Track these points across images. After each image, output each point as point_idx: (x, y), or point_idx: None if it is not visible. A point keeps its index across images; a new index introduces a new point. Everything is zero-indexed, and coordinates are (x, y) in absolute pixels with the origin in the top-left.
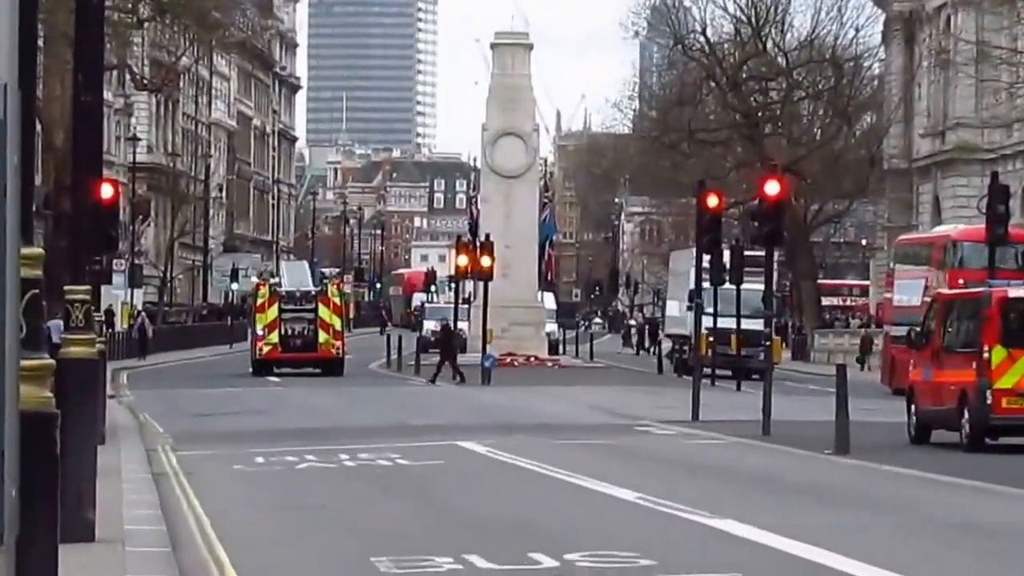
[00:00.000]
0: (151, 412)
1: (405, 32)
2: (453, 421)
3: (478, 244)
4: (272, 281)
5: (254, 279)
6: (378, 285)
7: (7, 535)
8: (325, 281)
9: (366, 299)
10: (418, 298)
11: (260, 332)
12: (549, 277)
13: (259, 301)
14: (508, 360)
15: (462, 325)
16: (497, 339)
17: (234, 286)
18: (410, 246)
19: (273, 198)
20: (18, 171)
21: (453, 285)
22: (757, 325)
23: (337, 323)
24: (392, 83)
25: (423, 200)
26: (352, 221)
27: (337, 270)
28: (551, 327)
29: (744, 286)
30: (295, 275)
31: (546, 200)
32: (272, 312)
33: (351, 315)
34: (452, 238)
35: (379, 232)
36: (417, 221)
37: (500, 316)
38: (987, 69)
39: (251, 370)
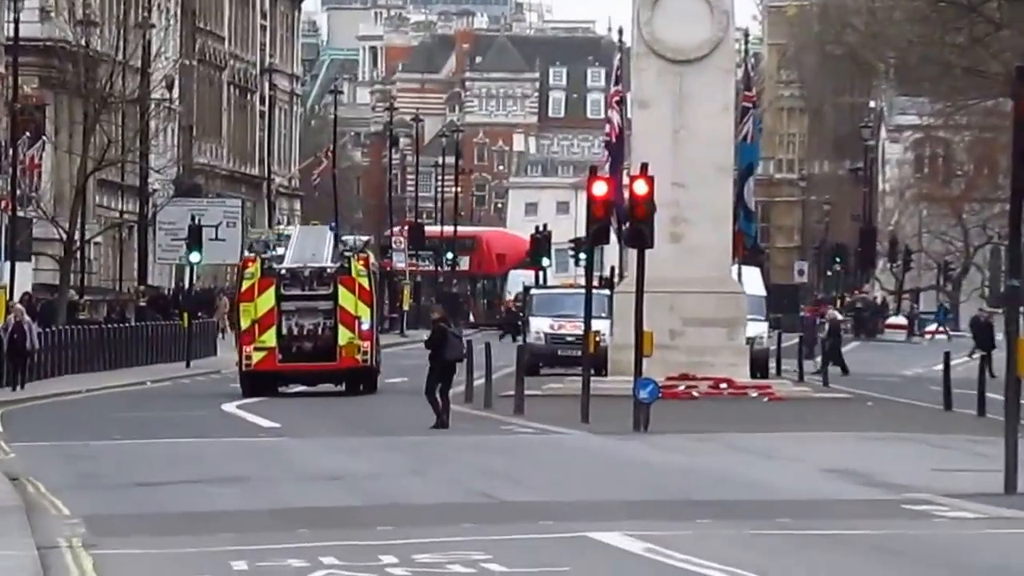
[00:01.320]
0: (48, 480)
1: None
2: (582, 495)
3: (625, 181)
4: (267, 254)
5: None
6: (449, 255)
7: None
8: (347, 253)
9: (422, 279)
10: (518, 279)
11: (248, 330)
12: (752, 242)
13: (246, 284)
14: (681, 388)
15: (598, 326)
16: (661, 350)
17: (194, 258)
18: (506, 186)
19: (263, 101)
20: None
21: (580, 256)
22: None
23: (365, 315)
24: None
25: (528, 104)
26: (403, 141)
27: (365, 238)
28: (757, 328)
29: None
30: (307, 244)
31: (748, 104)
32: (267, 300)
33: (404, 306)
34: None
35: (451, 162)
36: (518, 142)
37: (666, 310)
38: None
39: (240, 388)
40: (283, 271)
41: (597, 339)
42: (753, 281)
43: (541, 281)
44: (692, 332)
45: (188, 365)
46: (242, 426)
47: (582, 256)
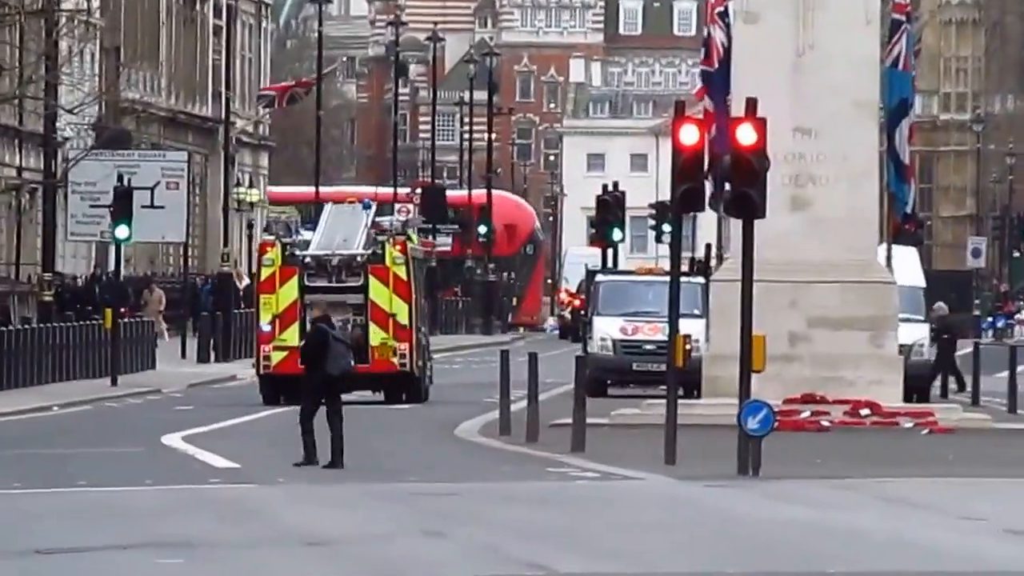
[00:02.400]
0: None
1: None
2: (669, 567)
3: (722, 122)
4: (289, 239)
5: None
6: (482, 230)
7: None
8: (381, 238)
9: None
10: (577, 260)
11: (267, 328)
12: (908, 210)
13: (266, 273)
14: (805, 414)
15: (690, 327)
16: (778, 362)
17: (122, 233)
18: (559, 131)
19: (219, 13)
20: None
21: (663, 229)
22: None
23: (402, 312)
24: None
25: (591, 18)
26: (415, 70)
27: (403, 217)
28: (913, 332)
29: None
30: (338, 227)
31: (901, 16)
32: (288, 292)
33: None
34: (661, 110)
35: (482, 99)
36: (577, 70)
37: (785, 307)
38: None
39: (260, 393)
40: (307, 259)
41: (687, 347)
42: (908, 266)
43: (609, 264)
44: (822, 337)
45: (114, 382)
46: (189, 467)
47: (666, 229)
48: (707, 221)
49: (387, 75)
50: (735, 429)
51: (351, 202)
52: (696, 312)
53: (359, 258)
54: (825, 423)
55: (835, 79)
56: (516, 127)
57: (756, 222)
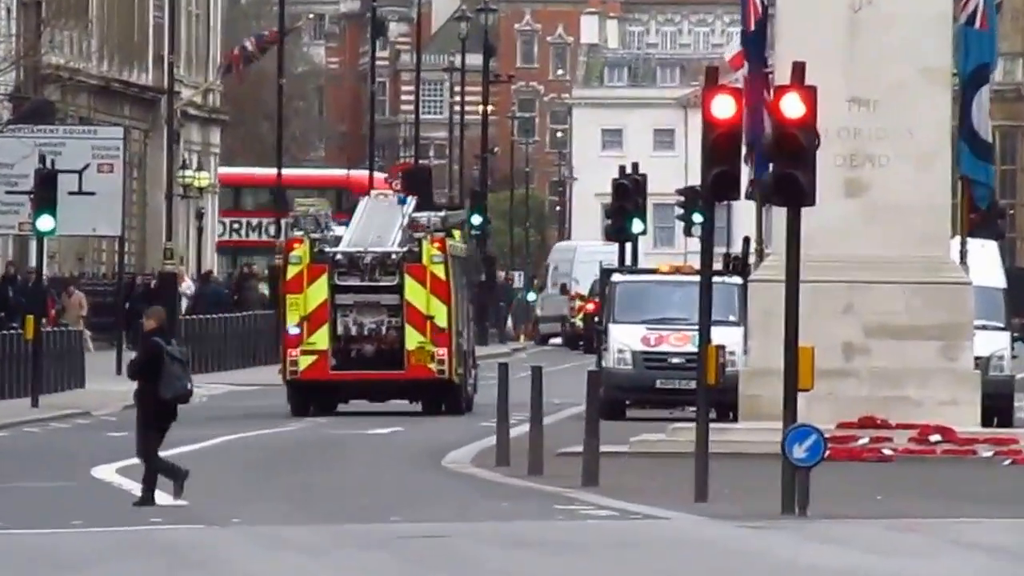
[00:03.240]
0: None
1: None
2: None
3: (762, 92)
4: (318, 234)
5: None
6: (475, 220)
7: None
8: (418, 235)
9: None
10: (588, 259)
11: (295, 331)
12: (987, 197)
13: (293, 271)
14: (863, 441)
15: (724, 337)
16: (830, 378)
17: (45, 224)
18: (568, 103)
19: None
20: None
21: (693, 219)
22: None
23: (440, 315)
24: None
25: None
26: (395, 29)
27: (441, 213)
28: (993, 342)
29: None
30: (373, 222)
31: None
32: (317, 292)
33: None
34: (690, 78)
35: (476, 63)
36: (589, 29)
37: (838, 312)
38: None
39: (288, 403)
40: (338, 256)
41: (721, 360)
42: (987, 264)
43: (628, 261)
44: (882, 349)
45: (35, 403)
46: (125, 505)
47: (696, 220)
48: (745, 210)
49: (362, 35)
50: (778, 459)
51: (385, 194)
52: (732, 319)
53: (394, 256)
54: (887, 451)
55: (898, 40)
56: (517, 98)
57: (804, 211)
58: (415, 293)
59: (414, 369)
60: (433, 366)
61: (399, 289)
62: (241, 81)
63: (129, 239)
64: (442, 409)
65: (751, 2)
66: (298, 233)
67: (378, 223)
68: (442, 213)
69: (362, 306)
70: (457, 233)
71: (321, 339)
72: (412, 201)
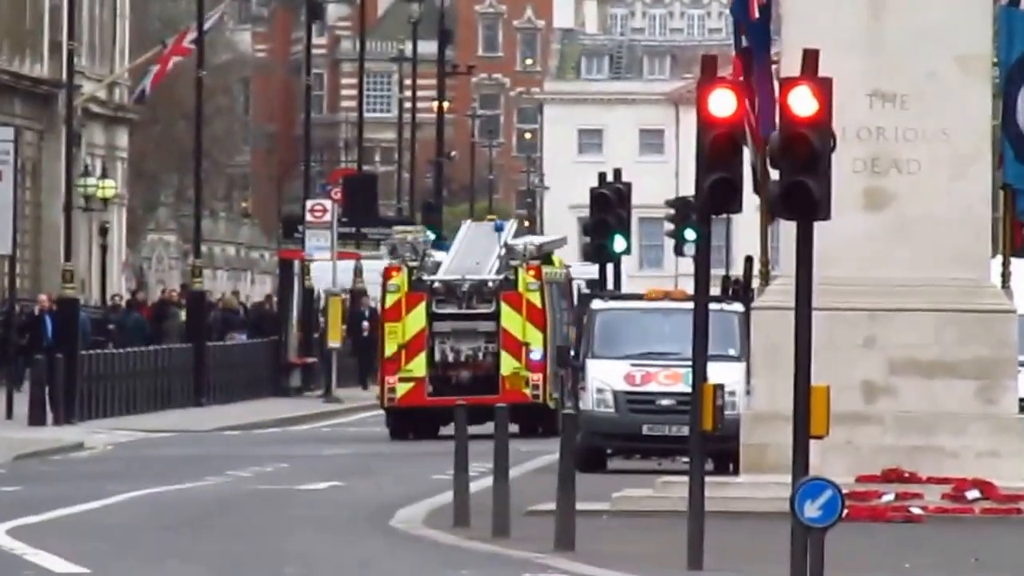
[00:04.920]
0: None
1: None
2: None
3: (767, 86)
4: (415, 261)
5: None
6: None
7: None
8: (514, 263)
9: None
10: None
11: (392, 357)
12: None
13: (391, 299)
14: (887, 498)
15: (723, 374)
16: (848, 424)
17: None
18: (539, 98)
19: None
20: None
21: (685, 236)
22: None
23: (536, 341)
24: None
25: None
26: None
27: (538, 240)
28: None
29: None
30: (472, 250)
31: None
32: (416, 320)
33: (333, 339)
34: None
35: (430, 52)
36: (564, 11)
37: (858, 345)
38: None
39: (387, 428)
40: (436, 284)
41: (720, 402)
42: None
43: (609, 285)
44: (910, 388)
45: None
46: (16, 573)
47: (689, 237)
48: (747, 225)
49: (296, 19)
50: (787, 519)
51: (490, 218)
52: (732, 353)
53: (490, 284)
54: (916, 510)
55: (929, 23)
56: (478, 93)
57: (817, 225)
58: (511, 320)
59: (509, 394)
60: (528, 391)
61: (495, 316)
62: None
63: (20, 258)
64: (539, 431)
65: None
66: (396, 261)
67: (476, 251)
68: (537, 240)
69: (459, 333)
70: (557, 259)
71: (418, 366)
72: (510, 227)
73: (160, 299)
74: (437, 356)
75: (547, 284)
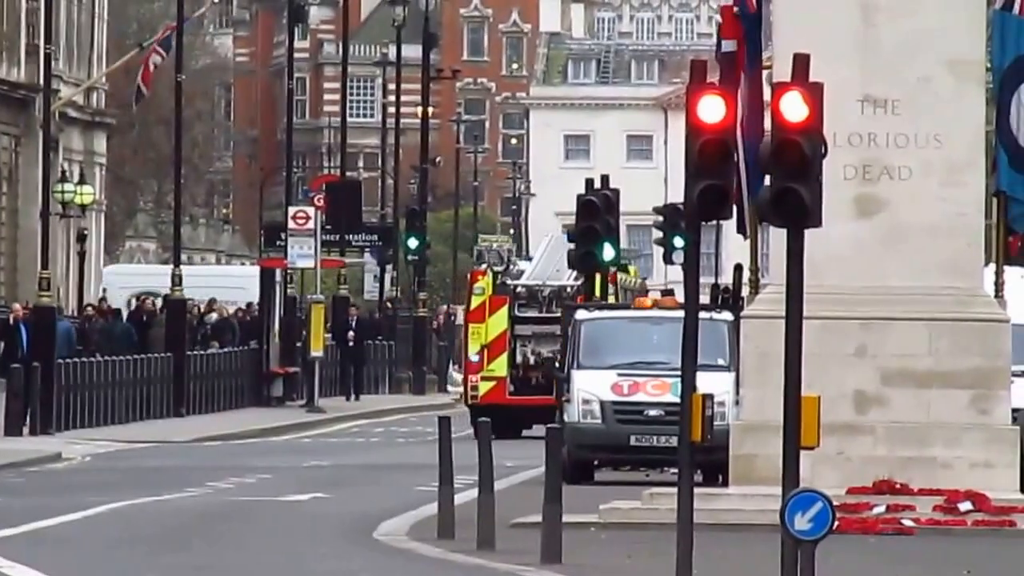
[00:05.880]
0: None
1: None
2: None
3: (756, 92)
4: (501, 267)
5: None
6: (411, 243)
7: None
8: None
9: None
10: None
11: (476, 358)
12: None
13: (476, 302)
14: (878, 510)
15: (712, 384)
16: (839, 435)
17: None
18: (525, 103)
19: None
20: None
21: (675, 243)
22: None
23: None
24: None
25: None
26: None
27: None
28: None
29: None
30: (554, 257)
31: None
32: (498, 322)
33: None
34: (670, 74)
35: (414, 56)
36: (550, 15)
37: (849, 354)
38: None
39: (471, 427)
40: (519, 288)
41: (709, 413)
42: None
43: (596, 294)
44: (902, 399)
45: None
46: None
47: (678, 244)
48: (737, 232)
49: (278, 22)
50: (777, 531)
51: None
52: (721, 362)
53: (569, 289)
54: (907, 522)
55: (921, 28)
56: (463, 98)
57: (808, 233)
58: None
59: None
60: None
61: None
62: (127, 77)
63: None
64: None
65: None
66: (482, 266)
67: (557, 258)
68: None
69: (539, 336)
70: (633, 268)
71: (500, 366)
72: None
73: (142, 307)
74: (518, 358)
75: (622, 291)
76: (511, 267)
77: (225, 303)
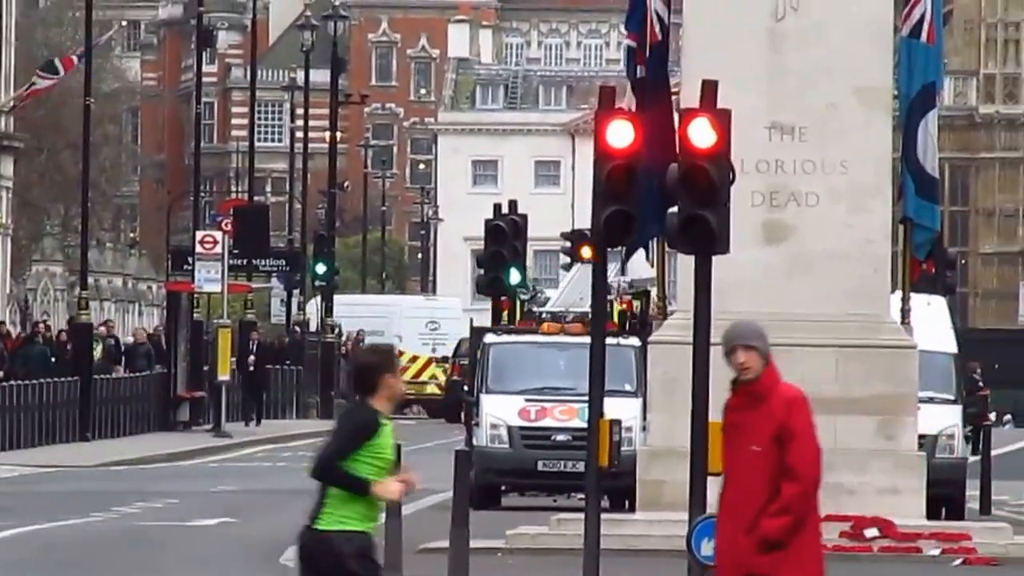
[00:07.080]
0: None
1: None
2: None
3: (663, 119)
4: (527, 295)
5: None
6: (319, 269)
7: None
8: (609, 297)
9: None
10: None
11: None
12: (931, 244)
13: None
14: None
15: (619, 409)
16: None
17: None
18: (433, 129)
19: None
20: None
21: (579, 267)
22: None
23: None
24: None
25: None
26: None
27: (628, 278)
28: (942, 418)
29: None
30: (579, 286)
31: None
32: None
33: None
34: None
35: (322, 81)
36: (458, 40)
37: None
38: None
39: None
40: (543, 315)
41: (616, 438)
42: (935, 324)
43: (504, 319)
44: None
45: None
46: None
47: (578, 267)
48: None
49: (185, 46)
50: (683, 557)
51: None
52: (628, 388)
53: (590, 315)
54: (829, 545)
55: (828, 56)
56: (371, 122)
57: (715, 259)
58: None
59: None
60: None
61: None
62: (36, 101)
63: None
64: None
65: (648, 10)
66: (505, 296)
67: (582, 287)
68: (628, 278)
69: None
70: (654, 292)
71: None
72: (613, 268)
73: (31, 332)
74: None
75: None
76: (538, 295)
77: (367, 332)
